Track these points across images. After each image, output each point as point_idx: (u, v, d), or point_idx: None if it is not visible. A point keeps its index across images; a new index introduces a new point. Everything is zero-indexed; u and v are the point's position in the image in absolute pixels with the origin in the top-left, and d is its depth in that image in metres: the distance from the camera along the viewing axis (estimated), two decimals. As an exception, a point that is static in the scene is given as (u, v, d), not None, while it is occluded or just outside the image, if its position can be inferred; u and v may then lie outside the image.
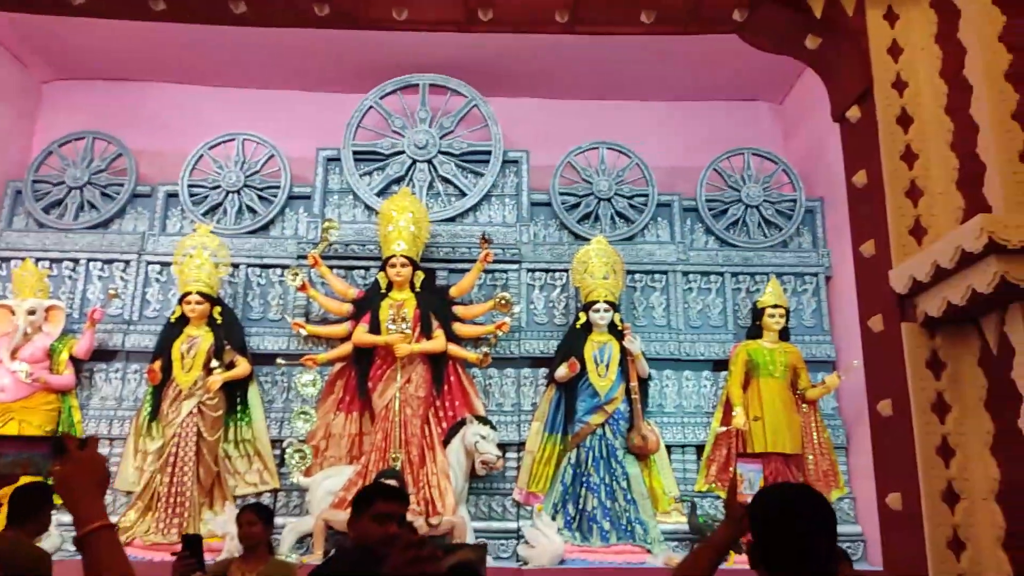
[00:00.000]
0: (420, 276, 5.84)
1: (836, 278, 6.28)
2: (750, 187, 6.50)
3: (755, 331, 5.95)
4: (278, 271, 6.15)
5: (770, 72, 6.84)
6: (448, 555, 1.29)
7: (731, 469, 5.52)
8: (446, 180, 6.47)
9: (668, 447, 5.85)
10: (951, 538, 2.83)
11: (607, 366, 5.70)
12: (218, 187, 6.35)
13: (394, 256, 5.71)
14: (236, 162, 6.42)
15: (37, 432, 5.53)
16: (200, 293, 5.65)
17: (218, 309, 5.77)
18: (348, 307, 5.88)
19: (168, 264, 6.02)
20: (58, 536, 5.22)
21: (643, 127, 6.95)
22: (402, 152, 6.46)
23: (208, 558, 2.90)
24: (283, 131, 6.60)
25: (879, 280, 3.27)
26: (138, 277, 6.14)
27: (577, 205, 6.47)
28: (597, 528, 5.42)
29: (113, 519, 5.36)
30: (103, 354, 5.90)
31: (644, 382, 5.82)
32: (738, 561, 5.15)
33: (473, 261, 5.94)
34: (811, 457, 5.74)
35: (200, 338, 5.65)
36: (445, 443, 5.57)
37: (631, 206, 6.48)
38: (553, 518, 5.47)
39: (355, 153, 6.42)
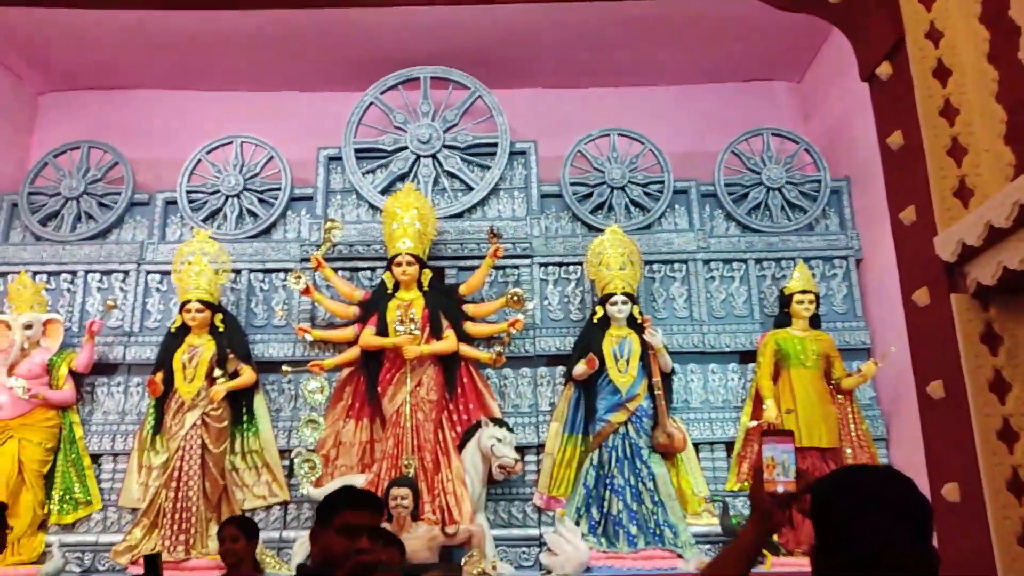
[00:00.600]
0: (428, 275, 5.59)
1: (867, 260, 5.94)
2: (771, 169, 6.18)
3: (783, 319, 5.63)
4: (281, 275, 5.92)
5: (786, 49, 6.56)
6: None
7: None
8: (452, 175, 6.22)
9: (696, 445, 5.55)
10: (1021, 533, 2.51)
11: (627, 361, 5.40)
12: (217, 192, 6.15)
13: (400, 254, 5.47)
14: (235, 165, 6.21)
15: (37, 450, 5.33)
16: (200, 301, 5.44)
17: (220, 317, 5.56)
18: (354, 310, 5.65)
19: (168, 273, 5.82)
20: (60, 558, 5.02)
21: (655, 112, 6.68)
22: (405, 148, 6.22)
23: None
24: (282, 132, 6.40)
25: (923, 249, 2.96)
26: (138, 287, 5.94)
27: (589, 195, 6.19)
28: (624, 533, 5.12)
29: (118, 537, 5.24)
30: (104, 367, 5.70)
31: (667, 377, 5.52)
32: (777, 564, 4.84)
33: (482, 257, 5.68)
34: (849, 450, 5.41)
35: (202, 347, 5.44)
36: (460, 448, 5.31)
37: (646, 194, 6.19)
38: (577, 523, 5.18)
39: (357, 151, 6.20)
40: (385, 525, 4.95)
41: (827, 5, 3.47)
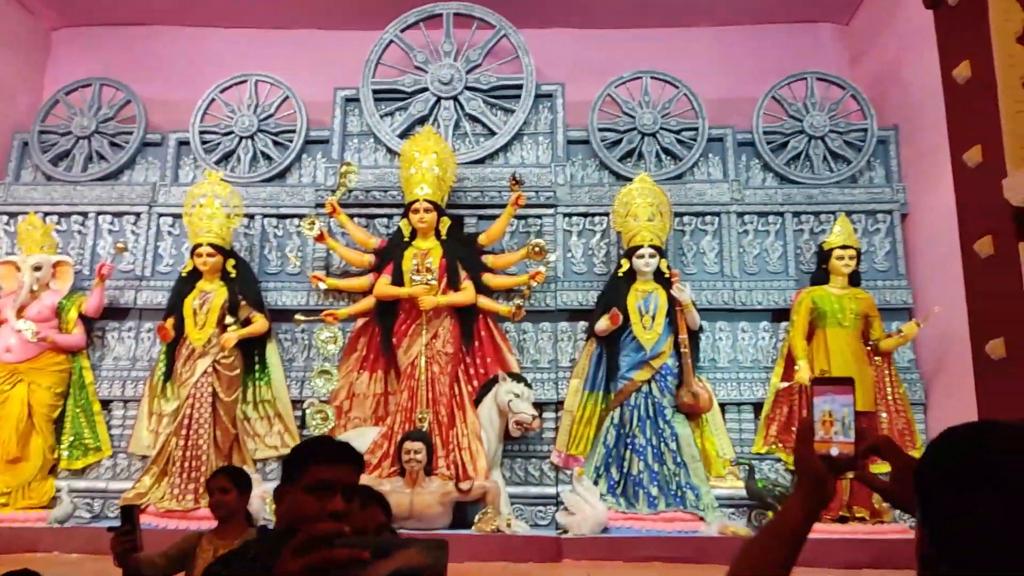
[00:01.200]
0: (446, 223, 5.35)
1: (913, 215, 5.57)
2: (814, 116, 5.79)
3: (821, 276, 5.31)
4: (295, 221, 5.72)
5: (835, -13, 6.10)
6: (383, 559, 0.78)
7: (796, 411, 4.93)
8: (473, 118, 5.92)
9: (722, 405, 5.32)
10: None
11: (653, 317, 5.15)
12: (231, 133, 5.94)
13: (417, 201, 5.23)
14: (249, 106, 5.99)
15: (47, 395, 5.25)
16: (212, 245, 5.27)
17: (232, 262, 5.39)
18: (370, 258, 5.44)
19: (180, 216, 5.65)
20: (69, 503, 4.96)
21: (691, 55, 6.29)
22: (425, 89, 5.93)
23: None
24: (298, 72, 6.13)
25: (989, 192, 2.64)
26: (149, 230, 5.79)
27: (618, 142, 5.86)
28: (644, 493, 4.92)
29: (127, 484, 5.16)
30: (114, 312, 5.59)
31: (695, 334, 5.26)
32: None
33: (503, 206, 5.41)
34: (885, 415, 5.13)
35: (213, 293, 5.28)
36: (476, 402, 5.14)
37: (679, 141, 5.84)
38: (595, 483, 5.00)
39: (375, 92, 5.92)
40: (398, 479, 4.82)
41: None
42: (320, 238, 5.38)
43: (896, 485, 1.11)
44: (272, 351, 5.48)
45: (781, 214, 5.68)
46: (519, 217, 5.57)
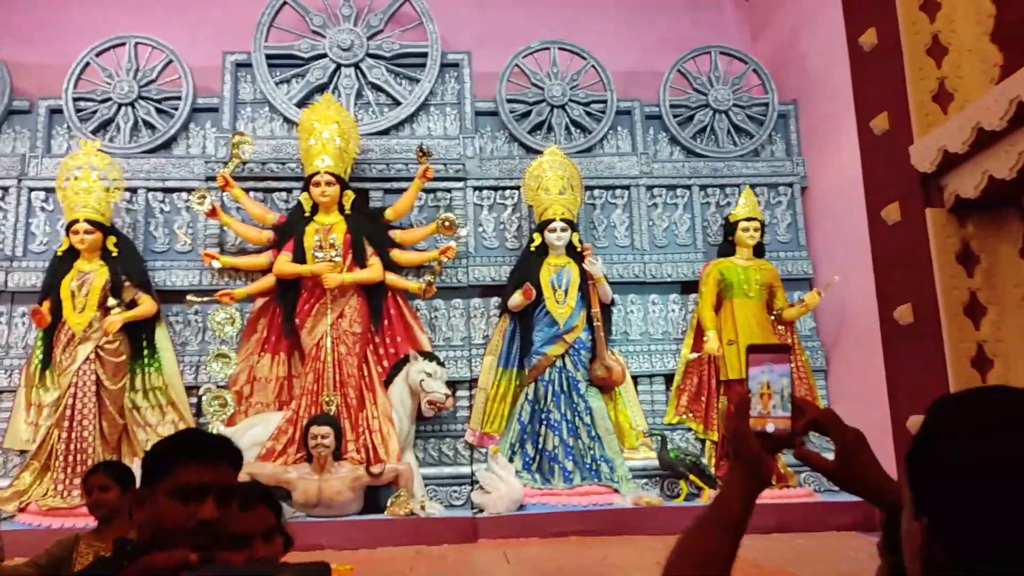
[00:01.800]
0: (350, 197, 5.10)
1: (812, 188, 5.73)
2: (718, 90, 5.84)
3: (727, 248, 5.39)
4: (184, 195, 5.33)
5: (738, -39, 6.15)
6: None
7: (711, 389, 4.99)
8: (376, 87, 5.66)
9: (634, 378, 5.34)
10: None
11: (566, 292, 5.09)
12: (108, 100, 5.45)
13: (318, 173, 4.96)
14: (128, 70, 5.51)
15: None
16: (89, 221, 4.83)
17: (113, 240, 4.97)
18: (268, 234, 5.14)
19: (54, 190, 5.15)
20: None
21: (598, 27, 6.22)
22: (324, 55, 5.61)
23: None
24: (183, 34, 5.71)
25: (896, 159, 2.67)
26: (19, 206, 5.27)
27: (527, 114, 5.75)
28: (559, 469, 4.89)
29: (5, 482, 4.71)
30: (-19, 296, 5.06)
31: (607, 308, 5.25)
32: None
33: (411, 179, 5.23)
34: (788, 382, 5.27)
35: (93, 273, 4.86)
36: (387, 383, 4.98)
37: (588, 114, 5.78)
38: (510, 460, 4.94)
39: (268, 57, 5.56)
40: (305, 466, 4.60)
41: None
42: (212, 213, 5.03)
43: (842, 464, 0.99)
44: (162, 335, 5.11)
45: (688, 187, 5.72)
46: (427, 191, 5.38)
